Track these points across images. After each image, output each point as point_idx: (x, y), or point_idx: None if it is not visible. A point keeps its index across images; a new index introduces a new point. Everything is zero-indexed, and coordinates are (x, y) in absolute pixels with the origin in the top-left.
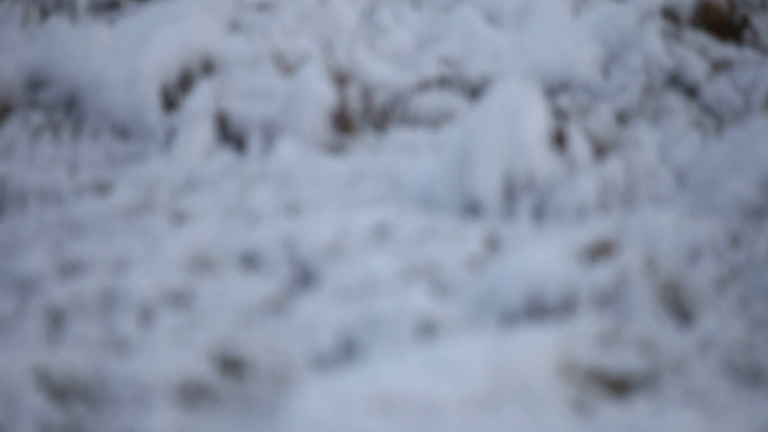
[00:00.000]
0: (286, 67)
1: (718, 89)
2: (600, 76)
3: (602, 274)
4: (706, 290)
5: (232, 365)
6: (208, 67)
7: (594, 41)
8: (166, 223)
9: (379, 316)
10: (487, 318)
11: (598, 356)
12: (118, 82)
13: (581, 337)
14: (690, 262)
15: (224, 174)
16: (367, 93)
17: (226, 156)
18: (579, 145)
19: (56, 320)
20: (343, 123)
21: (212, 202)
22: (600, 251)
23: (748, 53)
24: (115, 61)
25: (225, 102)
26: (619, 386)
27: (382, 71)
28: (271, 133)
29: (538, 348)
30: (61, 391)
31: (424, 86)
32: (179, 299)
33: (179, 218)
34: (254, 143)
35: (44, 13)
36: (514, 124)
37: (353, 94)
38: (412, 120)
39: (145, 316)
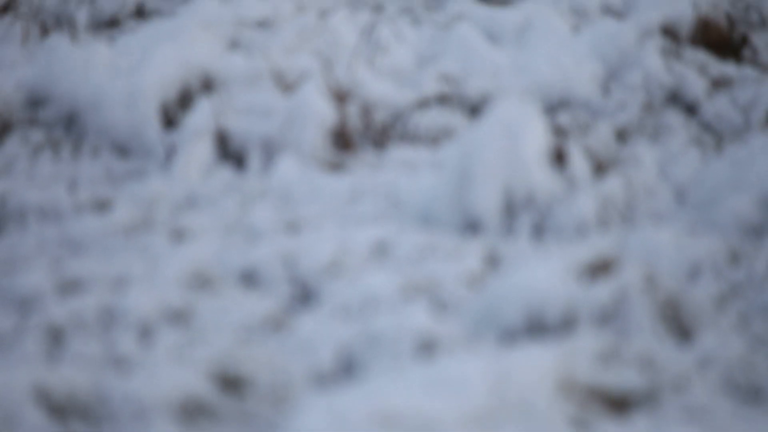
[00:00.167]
0: (286, 84)
1: (718, 107)
2: (600, 94)
3: (602, 291)
4: (706, 308)
5: (231, 383)
6: (207, 85)
7: (594, 59)
8: (166, 240)
9: (378, 333)
10: (487, 335)
11: (598, 374)
12: (117, 100)
13: (581, 354)
14: (690, 279)
15: (224, 192)
16: (366, 111)
17: (225, 174)
18: (579, 163)
19: (56, 338)
20: (342, 141)
21: (212, 220)
22: (600, 269)
23: (747, 71)
24: (115, 79)
25: (225, 120)
26: (619, 404)
27: (382, 89)
28: (270, 151)
29: (538, 365)
30: (60, 408)
31: (423, 104)
32: (179, 317)
33: (179, 236)
34: (254, 161)
35: (44, 31)
36: (513, 141)
37: (353, 112)
38: (411, 138)
39: (145, 333)
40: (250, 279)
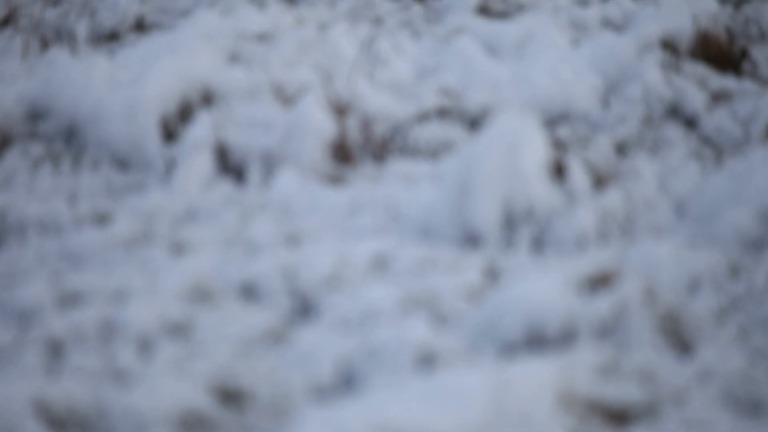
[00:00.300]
0: (286, 98)
1: (718, 120)
2: (599, 107)
3: (602, 304)
4: (705, 321)
5: (231, 396)
6: (207, 99)
7: (593, 72)
8: (166, 253)
9: (378, 346)
10: (486, 348)
11: (597, 387)
12: (117, 113)
13: (581, 367)
14: (690, 292)
15: (224, 205)
16: (366, 124)
17: (225, 187)
18: (578, 176)
19: (55, 351)
20: (342, 154)
21: (212, 233)
22: (599, 282)
23: (747, 84)
24: (115, 92)
25: (224, 133)
26: (618, 417)
27: (382, 102)
28: (270, 164)
29: (537, 378)
30: (60, 421)
31: (423, 117)
32: (179, 330)
33: (179, 249)
34: (254, 174)
35: (44, 45)
36: (513, 154)
37: (352, 125)
38: (411, 151)
39: (145, 346)
40: (249, 292)
